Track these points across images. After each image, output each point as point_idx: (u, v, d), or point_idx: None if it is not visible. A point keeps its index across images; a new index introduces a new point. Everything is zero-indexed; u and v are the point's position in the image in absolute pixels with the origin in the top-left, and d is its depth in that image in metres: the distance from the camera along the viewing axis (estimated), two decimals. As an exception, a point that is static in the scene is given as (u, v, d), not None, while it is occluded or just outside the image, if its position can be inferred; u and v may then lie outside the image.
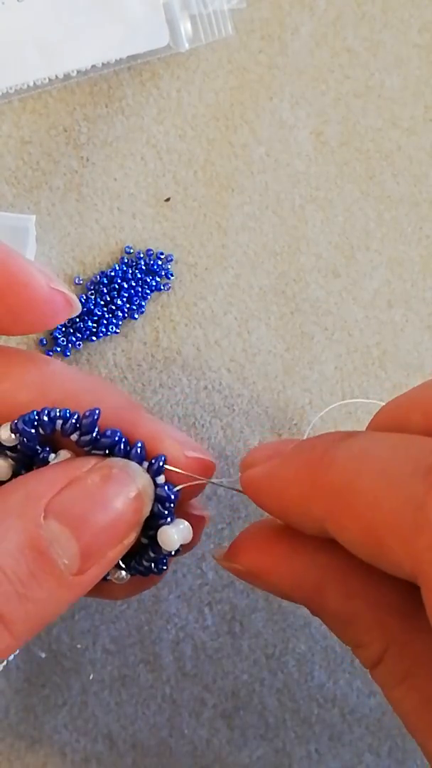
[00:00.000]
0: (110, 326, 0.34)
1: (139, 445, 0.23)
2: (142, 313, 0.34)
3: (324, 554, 0.22)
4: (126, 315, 0.34)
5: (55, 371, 0.24)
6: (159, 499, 0.22)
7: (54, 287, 0.23)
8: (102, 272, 0.34)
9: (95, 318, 0.34)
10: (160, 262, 0.34)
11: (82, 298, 0.34)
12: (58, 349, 0.34)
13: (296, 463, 0.22)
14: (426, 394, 0.23)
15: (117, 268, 0.34)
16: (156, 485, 0.22)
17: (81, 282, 0.34)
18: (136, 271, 0.34)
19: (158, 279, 0.34)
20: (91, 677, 0.34)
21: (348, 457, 0.20)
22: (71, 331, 0.34)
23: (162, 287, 0.34)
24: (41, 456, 0.23)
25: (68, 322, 0.34)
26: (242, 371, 0.35)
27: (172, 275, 0.34)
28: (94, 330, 0.34)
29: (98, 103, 0.34)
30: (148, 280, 0.34)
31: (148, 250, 0.34)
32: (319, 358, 0.35)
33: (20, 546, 0.20)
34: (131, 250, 0.34)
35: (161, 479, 0.22)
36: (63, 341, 0.33)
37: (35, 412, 0.22)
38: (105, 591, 0.24)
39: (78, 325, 0.34)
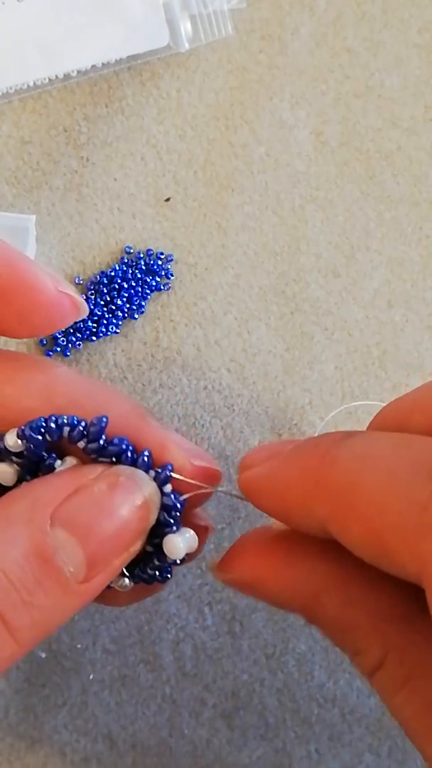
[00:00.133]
0: (110, 326, 0.34)
1: (146, 453, 0.22)
2: (142, 313, 0.34)
3: (321, 561, 0.22)
4: (126, 315, 0.34)
5: (60, 376, 0.24)
6: (165, 508, 0.22)
7: (62, 290, 0.23)
8: (102, 272, 0.34)
9: (95, 318, 0.34)
10: (160, 262, 0.34)
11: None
12: (58, 349, 0.34)
13: (297, 462, 0.21)
14: (427, 395, 0.23)
15: (117, 268, 0.34)
16: (162, 494, 0.22)
17: (81, 282, 0.34)
18: (136, 271, 0.34)
19: (158, 279, 0.34)
20: (91, 677, 0.34)
21: (351, 457, 0.20)
22: (71, 331, 0.34)
23: (162, 287, 0.34)
24: (47, 462, 0.23)
25: (68, 322, 0.34)
26: (242, 371, 0.35)
27: (172, 275, 0.34)
28: (94, 330, 0.34)
29: (98, 103, 0.34)
30: (148, 280, 0.34)
31: (148, 250, 0.34)
32: (319, 358, 0.35)
33: (26, 553, 0.20)
34: (131, 250, 0.34)
35: (168, 488, 0.22)
36: (63, 341, 0.33)
37: (42, 419, 0.22)
38: (107, 598, 0.24)
39: (78, 325, 0.34)
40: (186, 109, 0.35)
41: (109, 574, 0.21)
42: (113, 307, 0.34)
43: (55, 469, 0.23)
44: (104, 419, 0.22)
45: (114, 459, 0.22)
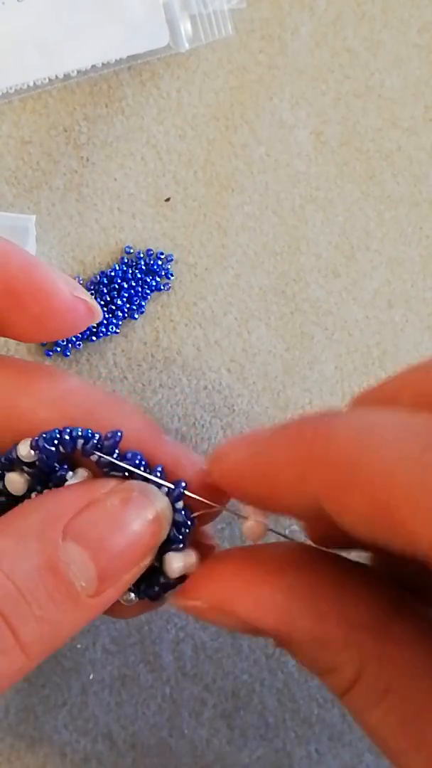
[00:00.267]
0: (110, 326, 0.34)
1: (159, 469, 0.23)
2: (142, 313, 0.34)
3: (290, 577, 0.21)
4: (126, 315, 0.34)
5: (74, 388, 0.24)
6: (175, 524, 0.22)
7: (77, 295, 0.23)
8: (102, 272, 0.34)
9: (95, 318, 0.34)
10: (160, 262, 0.34)
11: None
12: (58, 349, 0.34)
13: (286, 441, 0.21)
14: (415, 375, 0.22)
15: (117, 268, 0.34)
16: (174, 510, 0.22)
17: (81, 282, 0.34)
18: (136, 271, 0.34)
19: (158, 279, 0.34)
20: (91, 677, 0.34)
21: (349, 428, 0.19)
22: (71, 331, 0.34)
23: (162, 287, 0.34)
24: (59, 474, 0.23)
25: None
26: (242, 371, 0.35)
27: (172, 275, 0.34)
28: (94, 330, 0.34)
29: (98, 103, 0.34)
30: (148, 280, 0.34)
31: (148, 250, 0.34)
32: (319, 358, 0.35)
33: (39, 567, 0.20)
34: (131, 250, 0.34)
35: (179, 504, 0.22)
36: (63, 341, 0.33)
37: (57, 431, 0.22)
38: (113, 610, 0.24)
39: (78, 325, 0.34)
40: (186, 109, 0.35)
41: (119, 589, 0.21)
42: (113, 307, 0.34)
43: (66, 480, 0.23)
44: (119, 433, 0.22)
45: (126, 473, 0.22)
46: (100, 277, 0.34)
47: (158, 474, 0.22)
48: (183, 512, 0.22)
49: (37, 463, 0.22)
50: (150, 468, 0.23)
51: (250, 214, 0.35)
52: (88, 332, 0.34)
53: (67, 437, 0.22)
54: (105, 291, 0.34)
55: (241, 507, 0.23)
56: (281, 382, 0.35)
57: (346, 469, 0.19)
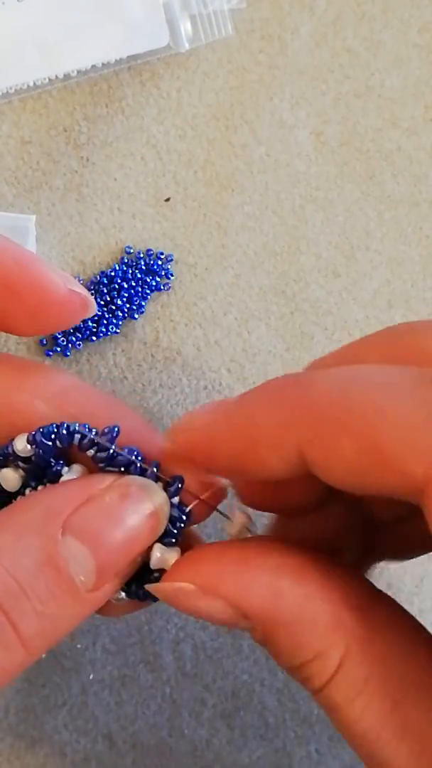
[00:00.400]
0: (110, 326, 0.34)
1: (155, 464, 0.23)
2: (142, 313, 0.34)
3: (276, 557, 0.21)
4: (126, 315, 0.34)
5: (71, 386, 0.24)
6: (170, 519, 0.22)
7: (72, 288, 0.23)
8: (102, 272, 0.34)
9: (95, 318, 0.34)
10: (160, 262, 0.34)
11: (82, 298, 0.34)
12: (58, 349, 0.34)
13: (265, 394, 0.20)
14: (384, 337, 0.22)
15: (117, 268, 0.34)
16: (170, 505, 0.22)
17: (81, 282, 0.34)
18: (136, 271, 0.34)
19: (158, 279, 0.34)
20: (91, 677, 0.34)
21: (335, 377, 0.19)
22: (71, 330, 0.34)
23: (162, 287, 0.34)
24: (54, 469, 0.23)
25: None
26: (242, 371, 0.35)
27: (172, 275, 0.34)
28: (94, 330, 0.34)
29: (98, 103, 0.34)
30: (148, 280, 0.34)
31: (148, 250, 0.34)
32: (319, 358, 0.35)
33: (39, 562, 0.20)
34: (131, 250, 0.34)
35: (176, 500, 0.23)
36: (63, 341, 0.33)
37: (54, 425, 0.22)
38: (103, 608, 0.24)
39: (78, 324, 0.34)
40: (186, 109, 0.35)
41: (116, 583, 0.22)
42: (113, 307, 0.34)
43: (61, 476, 0.23)
44: (116, 428, 0.22)
45: (123, 469, 0.23)
46: (100, 277, 0.34)
47: (154, 470, 0.23)
48: (179, 507, 0.23)
49: (33, 458, 0.22)
50: (146, 464, 0.23)
51: (250, 214, 0.35)
52: (88, 332, 0.34)
53: (64, 432, 0.22)
54: (105, 291, 0.34)
55: (228, 507, 0.24)
56: (281, 382, 0.35)
57: (333, 412, 0.18)
